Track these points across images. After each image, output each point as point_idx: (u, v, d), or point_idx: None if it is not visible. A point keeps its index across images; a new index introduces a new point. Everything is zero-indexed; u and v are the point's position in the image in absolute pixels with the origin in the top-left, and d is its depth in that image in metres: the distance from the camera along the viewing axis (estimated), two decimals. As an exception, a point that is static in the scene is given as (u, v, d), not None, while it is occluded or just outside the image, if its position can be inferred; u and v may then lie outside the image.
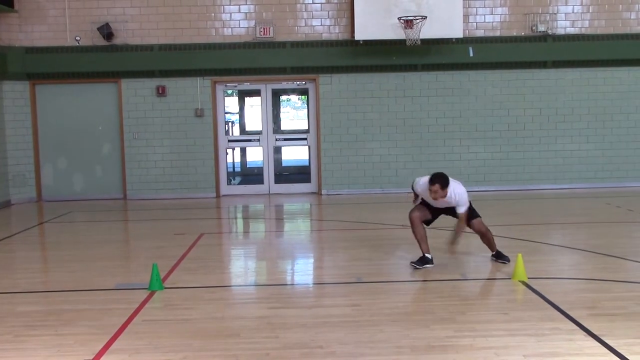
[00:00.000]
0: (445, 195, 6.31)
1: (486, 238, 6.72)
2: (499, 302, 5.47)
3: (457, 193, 6.37)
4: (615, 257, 6.88)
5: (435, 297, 5.62)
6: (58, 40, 12.24)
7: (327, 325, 4.88)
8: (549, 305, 5.22)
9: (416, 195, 6.84)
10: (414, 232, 6.66)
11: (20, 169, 12.42)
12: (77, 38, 12.19)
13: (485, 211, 10.44)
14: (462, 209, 6.45)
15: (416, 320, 4.96)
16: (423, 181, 6.54)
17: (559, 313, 5.02)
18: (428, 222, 6.81)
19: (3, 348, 4.57)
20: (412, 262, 6.63)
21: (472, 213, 6.62)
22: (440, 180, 6.25)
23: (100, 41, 12.11)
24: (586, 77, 12.50)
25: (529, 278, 5.96)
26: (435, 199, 6.34)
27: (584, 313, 4.99)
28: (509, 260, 6.57)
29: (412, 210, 6.72)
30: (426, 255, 6.60)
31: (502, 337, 4.56)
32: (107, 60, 12.19)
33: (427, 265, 6.56)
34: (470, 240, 7.99)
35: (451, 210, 6.60)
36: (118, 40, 12.19)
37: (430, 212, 6.71)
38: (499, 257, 6.71)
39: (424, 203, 6.73)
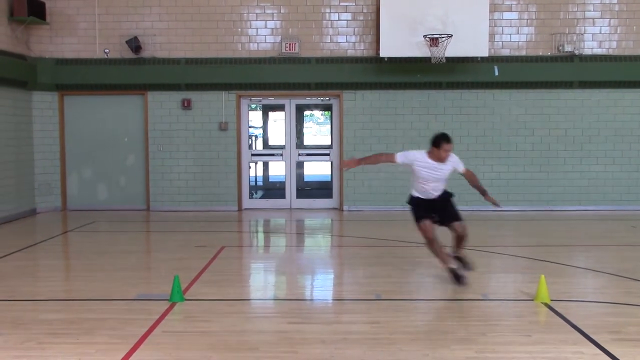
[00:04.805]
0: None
1: (464, 241, 6.65)
2: (521, 323, 5.39)
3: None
4: (640, 281, 6.77)
5: (456, 316, 5.58)
6: (87, 53, 12.46)
7: (346, 342, 4.86)
8: (572, 329, 5.14)
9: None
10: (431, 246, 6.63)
11: (47, 178, 12.61)
12: (105, 50, 12.40)
13: (508, 231, 10.51)
14: (462, 167, 6.63)
15: (436, 339, 4.91)
16: (421, 152, 6.61)
17: (582, 337, 4.95)
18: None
19: (26, 355, 4.62)
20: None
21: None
22: (448, 136, 6.45)
23: (129, 54, 12.31)
24: (613, 98, 12.38)
25: (551, 300, 5.88)
26: (445, 159, 6.41)
27: (608, 338, 4.91)
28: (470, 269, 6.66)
29: (419, 218, 6.60)
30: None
31: (523, 359, 4.50)
32: (134, 73, 12.38)
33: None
34: (492, 261, 7.94)
35: (440, 204, 6.58)
36: (146, 53, 12.37)
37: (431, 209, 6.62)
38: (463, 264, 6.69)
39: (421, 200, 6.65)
